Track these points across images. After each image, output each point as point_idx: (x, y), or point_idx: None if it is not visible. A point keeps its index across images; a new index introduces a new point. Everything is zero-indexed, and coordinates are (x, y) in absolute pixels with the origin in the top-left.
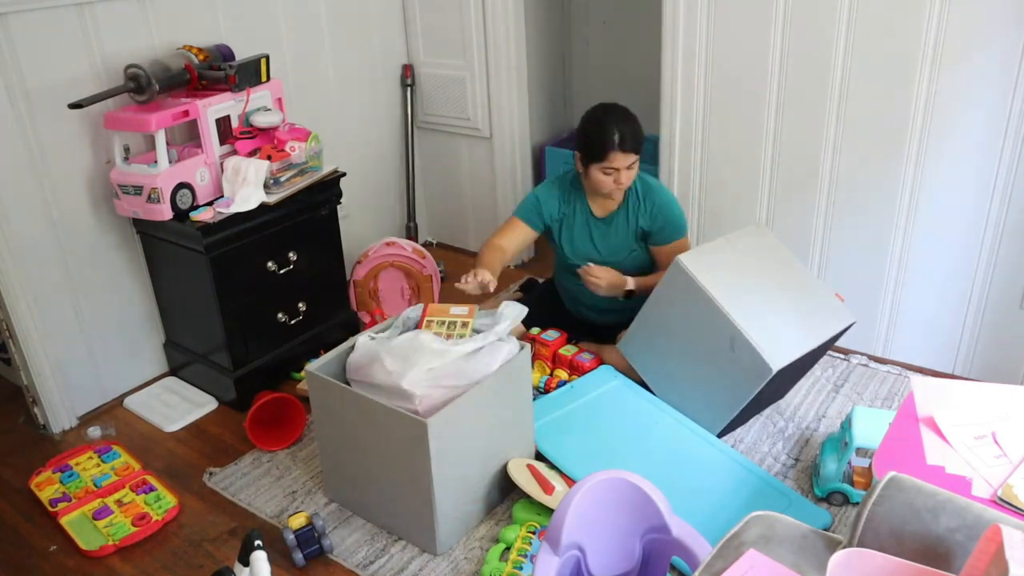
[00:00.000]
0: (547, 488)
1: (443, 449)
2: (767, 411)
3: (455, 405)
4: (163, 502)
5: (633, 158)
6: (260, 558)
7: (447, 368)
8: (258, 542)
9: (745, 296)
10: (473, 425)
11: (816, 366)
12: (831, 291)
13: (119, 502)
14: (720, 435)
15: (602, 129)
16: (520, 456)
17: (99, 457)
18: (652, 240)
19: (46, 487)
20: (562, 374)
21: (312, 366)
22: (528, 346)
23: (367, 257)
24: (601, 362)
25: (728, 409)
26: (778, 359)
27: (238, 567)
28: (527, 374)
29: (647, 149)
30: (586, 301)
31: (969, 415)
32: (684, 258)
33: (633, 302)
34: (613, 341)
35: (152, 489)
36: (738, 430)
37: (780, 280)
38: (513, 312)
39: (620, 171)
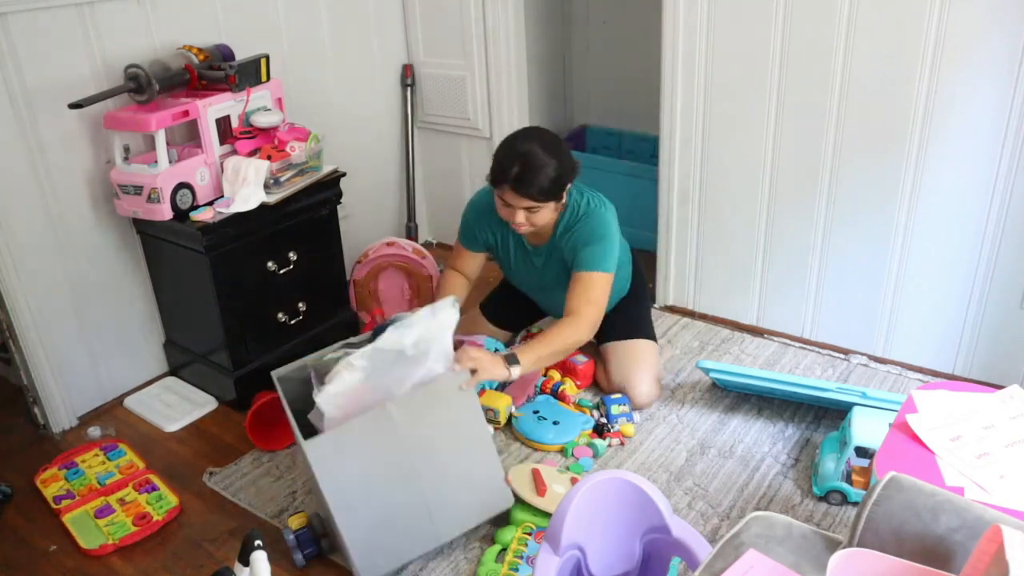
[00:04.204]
0: (541, 490)
1: (335, 474)
2: (767, 411)
3: (344, 428)
4: (164, 502)
5: (528, 203)
6: (260, 558)
7: (366, 385)
8: (258, 542)
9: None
10: (378, 450)
11: (816, 366)
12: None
13: (121, 500)
14: None
15: (505, 154)
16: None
17: (105, 455)
18: (570, 264)
19: (51, 484)
20: (555, 375)
21: (279, 372)
22: (466, 371)
23: (367, 257)
24: (593, 366)
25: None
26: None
27: (238, 567)
28: (463, 396)
29: (647, 149)
30: (541, 302)
31: (941, 417)
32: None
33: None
34: (626, 335)
35: (154, 488)
36: (738, 430)
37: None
38: (444, 319)
39: (514, 210)
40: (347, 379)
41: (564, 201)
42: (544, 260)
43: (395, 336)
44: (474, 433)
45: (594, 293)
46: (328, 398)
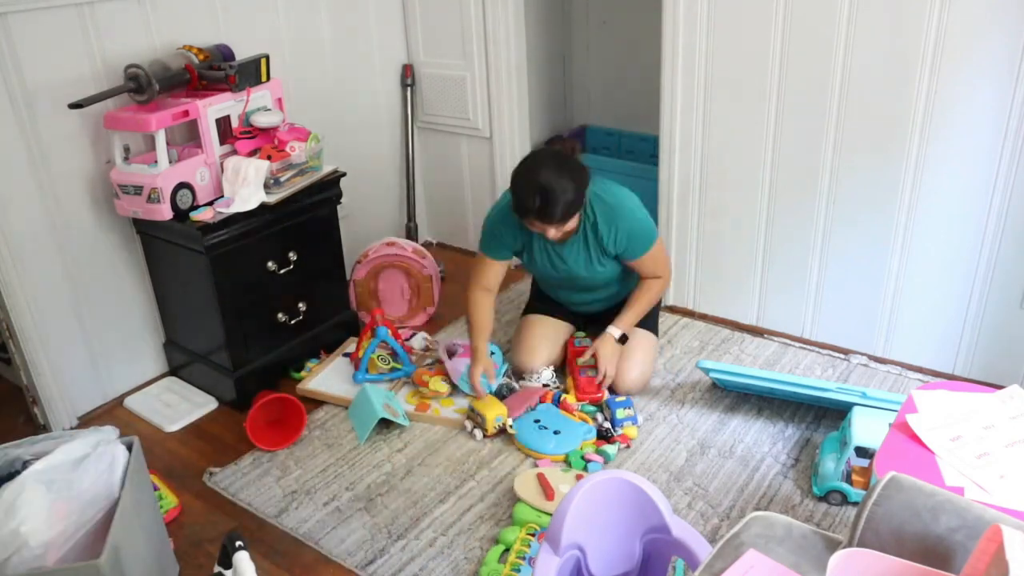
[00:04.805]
0: (549, 494)
1: None
2: (767, 411)
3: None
4: (164, 502)
5: (552, 226)
6: (243, 558)
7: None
8: (239, 543)
9: None
10: None
11: (816, 366)
12: None
13: None
14: None
15: (523, 187)
16: None
17: None
18: (623, 258)
19: None
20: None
21: None
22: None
23: (367, 257)
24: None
25: None
26: None
27: (218, 570)
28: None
29: (646, 149)
30: (558, 298)
31: (941, 417)
32: None
33: (601, 294)
34: (605, 325)
35: (154, 488)
36: (738, 430)
37: None
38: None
39: (544, 228)
40: None
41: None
42: (570, 251)
43: None
44: None
45: (659, 264)
46: None
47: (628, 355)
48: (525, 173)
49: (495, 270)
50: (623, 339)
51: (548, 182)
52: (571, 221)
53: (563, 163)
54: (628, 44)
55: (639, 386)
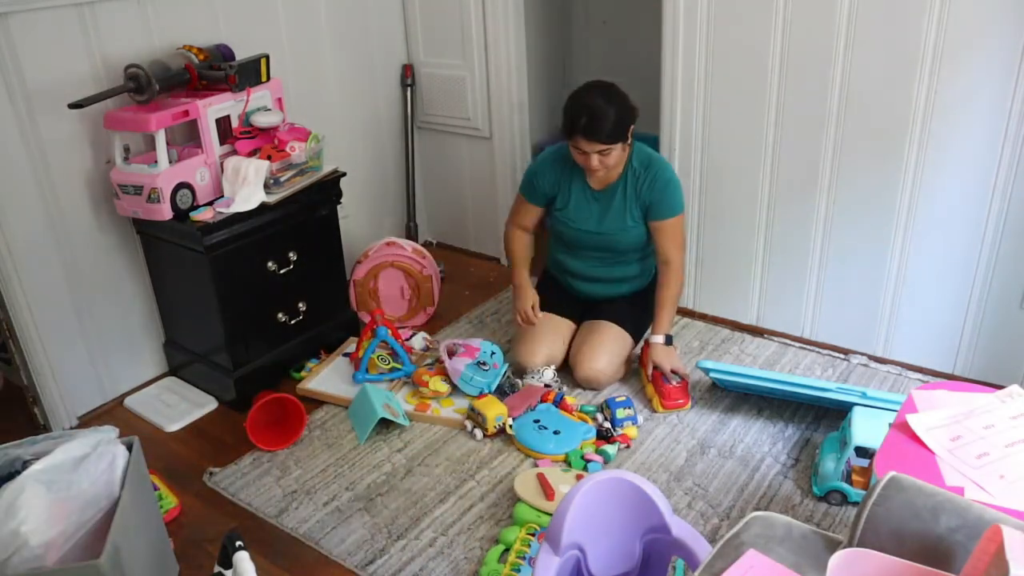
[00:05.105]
0: (549, 494)
1: None
2: (767, 411)
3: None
4: (164, 502)
5: (600, 147)
6: (243, 558)
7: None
8: (239, 543)
9: None
10: None
11: (816, 366)
12: None
13: None
14: None
15: (572, 108)
16: None
17: None
18: (652, 213)
19: None
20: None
21: None
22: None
23: (367, 257)
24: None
25: None
26: None
27: (218, 570)
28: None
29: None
30: (571, 270)
31: (941, 417)
32: None
33: (616, 273)
34: (610, 318)
35: (154, 488)
36: (738, 430)
37: None
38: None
39: (589, 155)
40: None
41: (629, 142)
42: (604, 204)
43: None
44: None
45: (679, 237)
46: None
47: (590, 345)
48: (577, 95)
49: (531, 212)
50: (668, 340)
51: (595, 103)
52: (614, 153)
53: (613, 93)
54: (628, 44)
55: (596, 375)
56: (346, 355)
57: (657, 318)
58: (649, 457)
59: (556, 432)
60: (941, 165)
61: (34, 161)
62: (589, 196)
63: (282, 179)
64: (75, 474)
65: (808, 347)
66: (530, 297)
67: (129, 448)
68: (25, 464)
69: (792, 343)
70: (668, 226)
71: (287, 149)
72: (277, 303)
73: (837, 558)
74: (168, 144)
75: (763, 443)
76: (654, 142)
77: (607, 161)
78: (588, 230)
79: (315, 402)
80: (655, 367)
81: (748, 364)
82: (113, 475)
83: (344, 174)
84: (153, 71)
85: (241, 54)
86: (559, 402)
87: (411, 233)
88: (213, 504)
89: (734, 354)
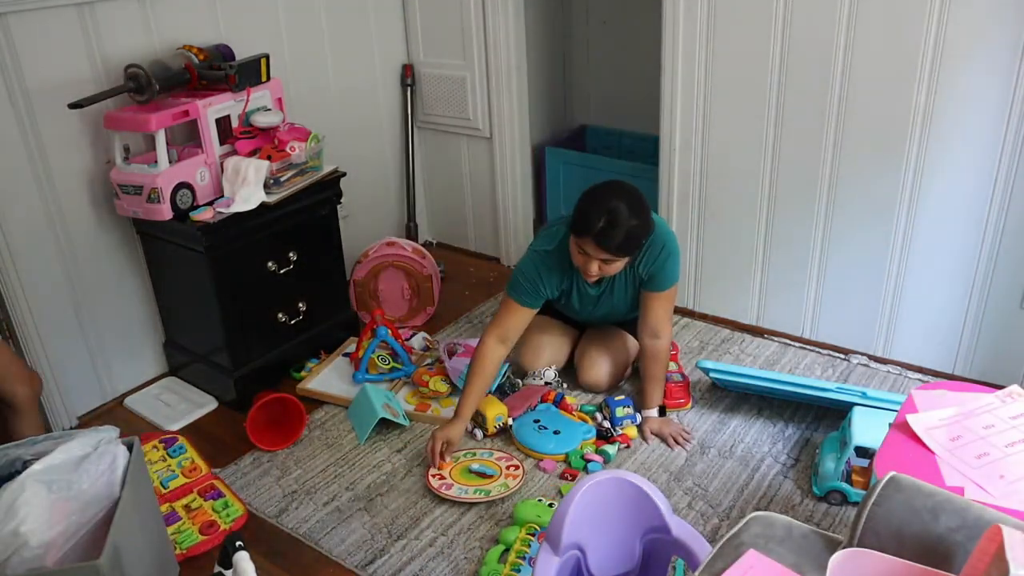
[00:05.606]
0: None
1: None
2: (767, 411)
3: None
4: (231, 510)
5: (607, 256)
6: (243, 558)
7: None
8: (239, 543)
9: None
10: None
11: (816, 366)
12: None
13: (187, 507)
14: None
15: (591, 209)
16: None
17: (165, 450)
18: (649, 283)
19: None
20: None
21: None
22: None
23: (367, 257)
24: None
25: None
26: None
27: (218, 570)
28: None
29: (647, 149)
30: (571, 316)
31: (941, 417)
32: None
33: (618, 320)
34: (614, 322)
35: (220, 495)
36: (738, 430)
37: None
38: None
39: (591, 260)
40: None
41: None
42: (607, 289)
43: None
44: None
45: (671, 308)
46: None
47: (594, 350)
48: (599, 192)
49: (520, 319)
50: (662, 411)
51: (618, 209)
52: (616, 264)
53: (638, 203)
54: (628, 44)
55: (598, 381)
56: (346, 355)
57: (647, 394)
58: (649, 457)
59: (556, 432)
60: (941, 165)
61: (34, 161)
62: (590, 286)
63: (282, 179)
64: (75, 474)
65: (808, 347)
66: (452, 436)
67: (129, 448)
68: (25, 464)
69: (792, 343)
70: (663, 297)
71: (287, 149)
72: (277, 303)
73: (837, 558)
74: (168, 144)
75: (763, 443)
76: (654, 142)
77: (607, 270)
78: (588, 310)
79: (315, 402)
80: (657, 437)
81: (748, 364)
82: (113, 475)
83: (344, 174)
84: (153, 71)
85: (241, 54)
86: (559, 402)
87: (411, 233)
88: None
89: (734, 354)
